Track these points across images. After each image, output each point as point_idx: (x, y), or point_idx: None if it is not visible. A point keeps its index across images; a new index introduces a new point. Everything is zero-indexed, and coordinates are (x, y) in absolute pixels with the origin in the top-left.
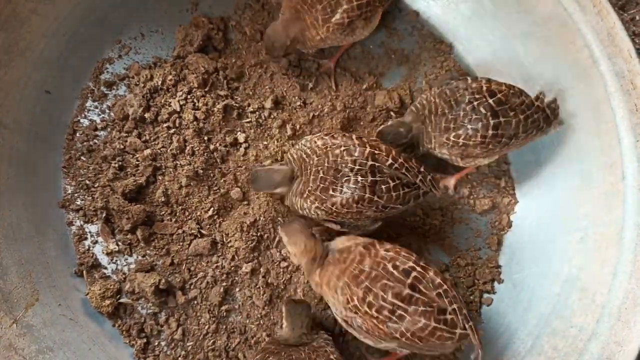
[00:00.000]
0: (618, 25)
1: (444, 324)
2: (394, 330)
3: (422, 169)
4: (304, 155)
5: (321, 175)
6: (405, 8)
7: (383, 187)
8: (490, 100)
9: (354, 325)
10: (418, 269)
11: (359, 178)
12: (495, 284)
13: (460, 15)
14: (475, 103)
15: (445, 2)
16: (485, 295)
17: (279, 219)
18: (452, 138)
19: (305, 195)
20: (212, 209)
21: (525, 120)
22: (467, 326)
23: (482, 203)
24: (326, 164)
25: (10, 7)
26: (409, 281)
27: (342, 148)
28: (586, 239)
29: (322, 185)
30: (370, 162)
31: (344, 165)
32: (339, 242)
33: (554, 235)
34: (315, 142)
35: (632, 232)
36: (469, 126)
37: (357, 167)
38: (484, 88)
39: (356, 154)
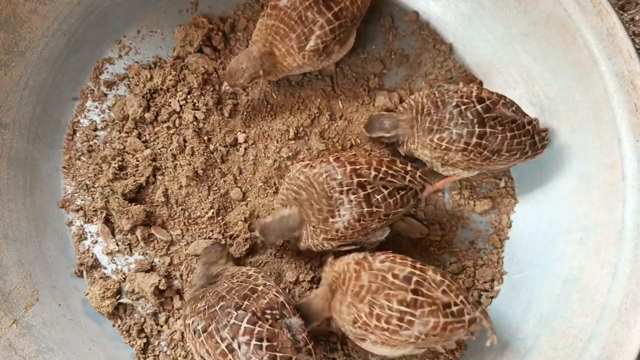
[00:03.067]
0: (618, 25)
1: (452, 315)
2: (407, 337)
3: (408, 168)
4: (294, 194)
5: (317, 207)
6: (405, 8)
7: (378, 197)
8: (478, 106)
9: (368, 341)
10: (417, 272)
11: (352, 197)
12: (495, 284)
13: (460, 16)
14: (463, 107)
15: (445, 2)
16: (485, 296)
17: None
18: (435, 140)
19: (312, 231)
20: (212, 209)
21: (511, 139)
22: (476, 311)
23: (482, 203)
24: (315, 195)
25: (10, 7)
26: (411, 287)
27: (324, 175)
28: (586, 239)
29: (321, 217)
30: (356, 179)
31: (332, 190)
32: (330, 272)
33: (554, 235)
34: (298, 177)
35: (632, 232)
36: (453, 130)
37: (345, 187)
38: (474, 93)
39: (339, 177)
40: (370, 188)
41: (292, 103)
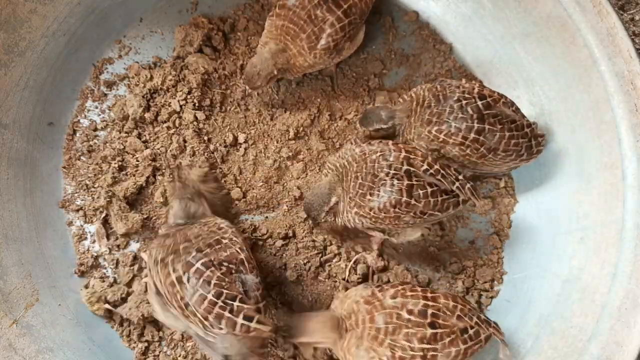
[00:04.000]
0: (618, 25)
1: (471, 339)
2: None
3: (460, 177)
4: (346, 163)
5: (360, 181)
6: (406, 8)
7: (421, 192)
8: (479, 102)
9: None
10: (430, 303)
11: (395, 182)
12: (495, 284)
13: (460, 16)
14: (464, 102)
15: (445, 2)
16: (485, 296)
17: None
18: (433, 132)
19: (348, 203)
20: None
21: (509, 138)
22: (490, 329)
23: (482, 203)
24: (364, 170)
25: (10, 7)
26: (428, 321)
27: (379, 153)
28: (586, 239)
29: (360, 191)
30: (405, 167)
31: (380, 170)
32: (339, 307)
33: (554, 236)
34: (354, 149)
35: (632, 232)
36: (452, 123)
37: (392, 171)
38: (475, 90)
39: (391, 159)
40: (416, 180)
41: (292, 103)
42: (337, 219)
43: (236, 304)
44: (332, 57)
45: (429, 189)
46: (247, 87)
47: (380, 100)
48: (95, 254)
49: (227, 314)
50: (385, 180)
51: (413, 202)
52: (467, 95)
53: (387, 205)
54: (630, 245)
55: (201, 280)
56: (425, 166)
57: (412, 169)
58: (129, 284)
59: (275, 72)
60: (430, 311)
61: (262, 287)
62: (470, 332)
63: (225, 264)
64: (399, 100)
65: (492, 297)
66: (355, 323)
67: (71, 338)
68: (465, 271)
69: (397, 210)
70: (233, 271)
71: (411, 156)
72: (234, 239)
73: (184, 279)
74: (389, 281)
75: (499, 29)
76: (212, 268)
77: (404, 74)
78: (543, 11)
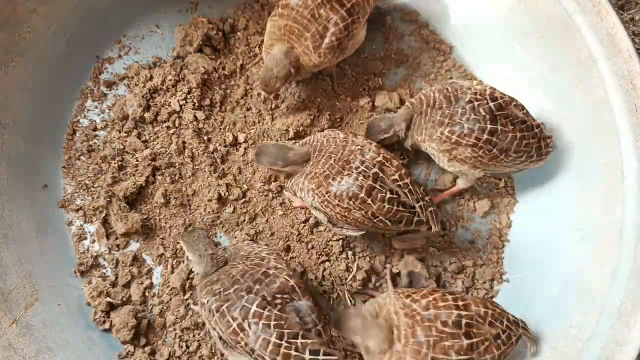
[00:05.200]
0: (618, 25)
1: (504, 344)
2: None
3: (427, 199)
4: (324, 141)
5: (331, 162)
6: (406, 8)
7: (379, 195)
8: (491, 104)
9: None
10: (464, 313)
11: (360, 178)
12: (495, 284)
13: (460, 16)
14: (476, 104)
15: (446, 2)
16: (485, 296)
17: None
18: (446, 133)
19: (311, 177)
20: (212, 210)
21: (521, 140)
22: (520, 330)
23: (482, 204)
24: (339, 155)
25: (10, 7)
26: (462, 331)
27: (359, 147)
28: (586, 239)
29: (327, 172)
30: (375, 170)
31: (353, 162)
32: (380, 311)
33: (554, 235)
34: (339, 134)
35: (632, 232)
36: (465, 125)
37: (363, 167)
38: (488, 92)
39: (367, 157)
40: (380, 185)
41: (292, 103)
42: (289, 183)
43: (300, 341)
44: (337, 56)
45: (388, 195)
46: (263, 93)
47: (381, 100)
48: (95, 254)
49: (293, 352)
50: (352, 172)
51: (369, 201)
52: (479, 97)
53: (343, 194)
54: (630, 245)
55: (261, 324)
56: (396, 177)
57: (381, 174)
58: (127, 285)
59: (292, 71)
60: (464, 321)
61: (316, 308)
62: (503, 336)
63: (279, 296)
64: (407, 106)
65: (492, 297)
66: (399, 338)
67: (71, 338)
68: (465, 271)
69: (351, 203)
70: (288, 301)
71: (386, 164)
72: (279, 266)
73: (245, 325)
74: (411, 285)
75: (499, 29)
76: (269, 307)
77: (404, 74)
78: (543, 11)
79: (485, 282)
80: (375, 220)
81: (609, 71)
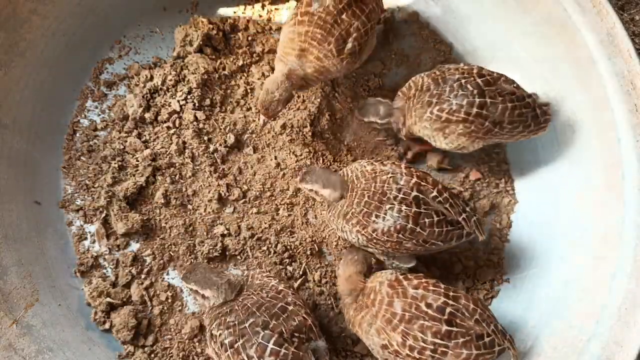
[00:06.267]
0: (618, 25)
1: (484, 347)
2: None
3: (467, 209)
4: (354, 177)
5: (366, 199)
6: (406, 8)
7: (427, 220)
8: (479, 80)
9: None
10: (451, 302)
11: (403, 207)
12: (495, 284)
13: (460, 16)
14: (463, 81)
15: (446, 2)
16: (485, 296)
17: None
18: (435, 112)
19: (348, 217)
20: (212, 210)
21: (512, 110)
22: (505, 341)
23: (482, 204)
24: (372, 189)
25: (10, 7)
26: (445, 317)
27: (390, 175)
28: (586, 239)
29: (365, 209)
30: (414, 193)
31: (389, 192)
32: (368, 282)
33: (554, 235)
34: (365, 166)
35: (632, 232)
36: (453, 101)
37: (401, 195)
38: (475, 70)
39: (402, 182)
40: (424, 208)
41: (292, 103)
42: (327, 215)
43: None
44: (354, 62)
45: (436, 218)
46: (262, 118)
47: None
48: (95, 254)
49: None
50: (393, 204)
51: (418, 229)
52: (466, 75)
53: (391, 229)
54: (630, 245)
55: None
56: (435, 193)
57: (421, 195)
58: (127, 285)
59: (294, 93)
60: (448, 309)
61: (329, 348)
62: (486, 339)
63: (297, 334)
64: (398, 95)
65: (492, 297)
66: (373, 302)
67: (71, 338)
68: (466, 271)
69: (400, 236)
70: (304, 340)
71: (422, 182)
72: (297, 302)
73: None
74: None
75: (499, 29)
76: (286, 345)
77: (404, 74)
78: (543, 11)
79: (485, 282)
80: (427, 245)
81: (609, 71)
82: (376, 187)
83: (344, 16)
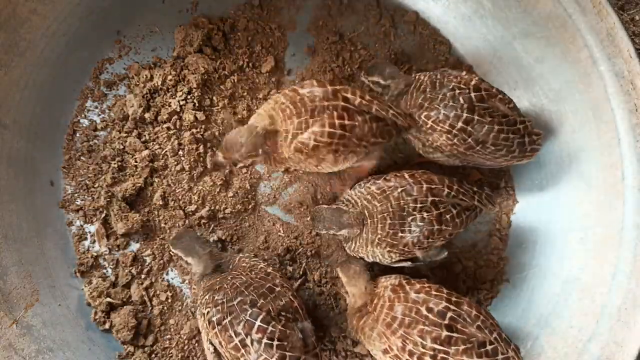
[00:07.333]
0: (618, 25)
1: (487, 355)
2: None
3: (475, 189)
4: (365, 203)
5: (389, 221)
6: (406, 8)
7: (448, 216)
8: (472, 94)
9: None
10: (452, 307)
11: (425, 214)
12: (495, 284)
13: (460, 16)
14: (457, 92)
15: (445, 2)
16: (485, 295)
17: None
18: (422, 117)
19: (376, 243)
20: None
21: (498, 132)
22: (509, 350)
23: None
24: (391, 209)
25: (10, 7)
26: (445, 322)
27: (400, 189)
28: (586, 239)
29: (391, 231)
30: (430, 198)
31: (406, 206)
32: (372, 287)
33: (554, 235)
34: (370, 187)
35: (632, 232)
36: (442, 111)
37: (419, 205)
38: (473, 82)
39: (415, 193)
40: (443, 207)
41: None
42: (345, 247)
43: None
44: (308, 161)
45: (454, 211)
46: (219, 155)
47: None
48: (95, 254)
49: None
50: (414, 214)
51: (443, 227)
52: (462, 86)
53: (421, 238)
54: (630, 245)
55: (263, 342)
56: (447, 190)
57: (437, 198)
58: (127, 285)
59: (260, 152)
60: (449, 314)
61: (314, 330)
62: (489, 347)
63: (283, 313)
64: (409, 76)
65: (492, 297)
66: (375, 307)
67: (71, 338)
68: (466, 271)
69: (430, 240)
70: (291, 320)
71: (432, 186)
72: (285, 284)
73: (247, 341)
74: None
75: (499, 29)
76: (273, 322)
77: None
78: (543, 11)
79: (485, 282)
80: (453, 235)
81: (609, 71)
82: (393, 206)
83: (320, 110)
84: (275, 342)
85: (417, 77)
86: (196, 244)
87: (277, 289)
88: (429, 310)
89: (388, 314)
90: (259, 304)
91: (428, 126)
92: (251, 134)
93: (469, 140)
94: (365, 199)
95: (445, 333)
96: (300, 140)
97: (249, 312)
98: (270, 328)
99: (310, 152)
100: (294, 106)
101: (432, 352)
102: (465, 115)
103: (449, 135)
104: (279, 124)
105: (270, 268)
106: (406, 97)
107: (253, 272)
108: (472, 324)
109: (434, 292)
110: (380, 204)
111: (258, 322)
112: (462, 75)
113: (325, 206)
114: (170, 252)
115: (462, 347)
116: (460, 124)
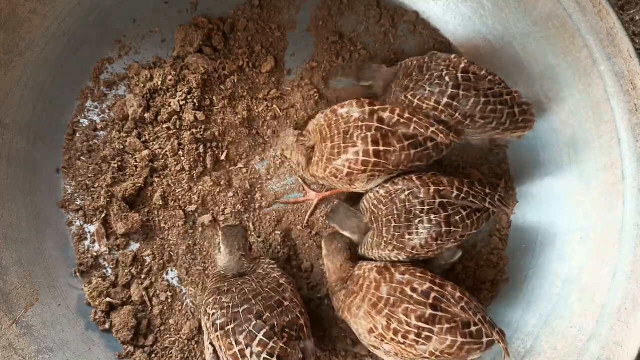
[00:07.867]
0: (618, 25)
1: (471, 336)
2: (422, 351)
3: (487, 190)
4: (372, 208)
5: (394, 224)
6: (405, 8)
7: (457, 218)
8: (459, 74)
9: (381, 350)
10: (436, 287)
11: (432, 216)
12: (495, 284)
13: (460, 16)
14: (444, 72)
15: (445, 2)
16: (485, 295)
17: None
18: (408, 97)
19: (382, 246)
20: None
21: (484, 104)
22: (494, 333)
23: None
24: (396, 212)
25: (10, 7)
26: (430, 302)
27: (407, 192)
28: (586, 239)
29: (397, 233)
30: (438, 200)
31: (413, 208)
32: (356, 268)
33: (554, 235)
34: (378, 192)
35: (632, 232)
36: (428, 88)
37: (426, 207)
38: (462, 65)
39: (422, 195)
40: (452, 209)
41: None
42: (362, 254)
43: None
44: (342, 182)
45: (464, 212)
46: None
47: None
48: (95, 254)
49: None
50: (421, 217)
51: (453, 229)
52: (450, 68)
53: (429, 240)
54: (630, 245)
55: (264, 355)
56: (456, 192)
57: (445, 200)
58: (127, 285)
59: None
60: (433, 294)
61: (316, 351)
62: (473, 328)
63: (287, 330)
64: (396, 66)
65: (492, 297)
66: (361, 287)
67: (71, 338)
68: (466, 271)
69: (439, 242)
70: (294, 338)
71: (440, 187)
72: (295, 300)
73: (247, 352)
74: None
75: (499, 29)
76: (275, 339)
77: None
78: (543, 11)
79: (485, 282)
80: (465, 237)
81: (609, 71)
82: (398, 208)
83: (356, 133)
84: (274, 359)
85: (404, 63)
86: (238, 240)
87: (286, 303)
88: (414, 290)
89: (374, 294)
90: (264, 317)
91: (414, 105)
92: (295, 151)
93: (457, 115)
94: (373, 204)
95: (429, 311)
96: (335, 167)
97: (253, 324)
98: (271, 344)
99: (344, 178)
100: (329, 129)
101: (416, 331)
102: (450, 91)
103: (435, 112)
104: (317, 145)
105: (284, 279)
106: (392, 85)
107: (265, 281)
108: (456, 305)
109: (418, 274)
110: (385, 207)
111: (260, 336)
112: (452, 58)
113: (346, 205)
114: (171, 252)
115: (447, 325)
116: (445, 99)
